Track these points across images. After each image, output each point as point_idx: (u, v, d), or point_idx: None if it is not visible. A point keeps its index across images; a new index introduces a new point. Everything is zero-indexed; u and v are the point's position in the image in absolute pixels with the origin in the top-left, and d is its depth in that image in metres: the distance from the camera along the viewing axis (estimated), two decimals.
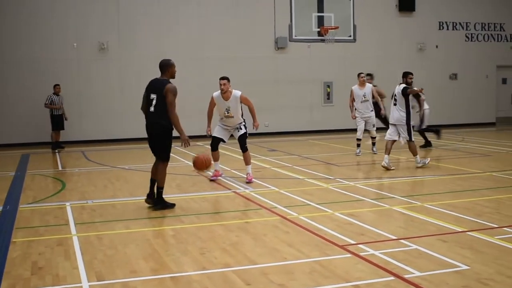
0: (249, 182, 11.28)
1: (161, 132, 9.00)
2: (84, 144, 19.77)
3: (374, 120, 15.38)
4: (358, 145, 15.44)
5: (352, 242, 6.92)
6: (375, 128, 15.57)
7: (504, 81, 26.47)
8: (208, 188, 10.80)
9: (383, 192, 10.04)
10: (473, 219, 7.92)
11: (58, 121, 18.53)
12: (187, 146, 9.22)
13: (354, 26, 18.10)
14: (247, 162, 11.50)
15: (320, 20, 17.98)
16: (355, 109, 15.33)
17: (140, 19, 20.93)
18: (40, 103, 18.55)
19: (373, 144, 15.79)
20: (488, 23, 25.74)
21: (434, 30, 24.77)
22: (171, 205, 9.15)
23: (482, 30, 25.68)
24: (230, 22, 21.77)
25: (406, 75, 12.95)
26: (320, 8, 18.12)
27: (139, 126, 20.47)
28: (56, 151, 18.06)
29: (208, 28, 21.58)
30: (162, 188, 9.16)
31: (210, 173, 11.93)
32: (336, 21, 17.90)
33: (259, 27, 21.93)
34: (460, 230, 7.36)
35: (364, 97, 15.26)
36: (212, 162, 10.73)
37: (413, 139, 12.79)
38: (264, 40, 22.07)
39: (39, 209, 9.29)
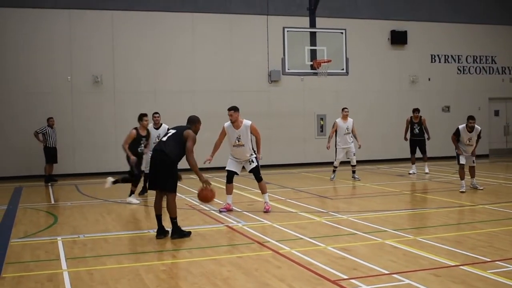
0: (266, 211, 11.58)
1: (166, 158, 9.23)
2: (77, 177, 19.72)
3: (354, 149, 16.81)
4: (334, 171, 17.02)
5: (345, 277, 6.89)
6: (355, 157, 16.94)
7: (496, 113, 26.63)
8: (200, 222, 10.76)
9: (375, 226, 10.02)
10: (465, 252, 7.90)
11: (51, 154, 18.50)
12: (208, 186, 9.57)
13: (347, 59, 18.17)
14: (263, 191, 11.91)
15: (313, 54, 18.04)
16: (336, 140, 17.04)
17: (134, 52, 21.06)
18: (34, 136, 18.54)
19: (354, 172, 17.13)
20: (480, 56, 26.00)
21: (427, 63, 24.99)
22: (188, 234, 9.41)
23: (474, 62, 25.92)
24: (223, 56, 21.95)
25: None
26: (313, 42, 18.20)
27: None
28: (49, 184, 18.01)
29: (202, 61, 21.74)
30: (175, 218, 9.35)
31: (219, 201, 12.15)
32: (329, 54, 17.97)
33: (253, 60, 22.10)
34: (452, 264, 7.34)
35: (347, 130, 16.80)
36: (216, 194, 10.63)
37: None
38: (258, 73, 22.23)
39: (30, 243, 9.23)
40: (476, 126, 14.04)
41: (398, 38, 24.23)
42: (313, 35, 18.22)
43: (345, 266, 7.38)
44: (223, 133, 11.95)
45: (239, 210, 11.98)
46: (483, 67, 26.09)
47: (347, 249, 8.30)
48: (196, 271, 7.35)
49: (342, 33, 18.33)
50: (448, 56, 25.39)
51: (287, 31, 17.86)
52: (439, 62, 25.25)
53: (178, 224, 9.45)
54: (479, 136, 14.22)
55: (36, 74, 20.13)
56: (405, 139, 18.91)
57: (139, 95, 21.02)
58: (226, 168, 12.01)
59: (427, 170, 18.34)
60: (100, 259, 8.12)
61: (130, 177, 13.56)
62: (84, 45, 20.58)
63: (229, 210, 11.83)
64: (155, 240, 9.25)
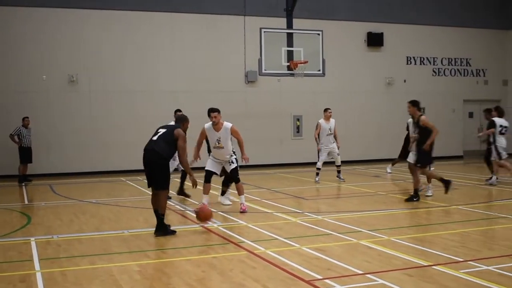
0: (243, 211, 11.66)
1: (157, 158, 9.46)
2: (51, 177, 19.55)
3: (337, 149, 16.75)
4: (318, 174, 16.86)
5: (319, 277, 6.91)
6: (339, 157, 16.94)
7: (470, 115, 26.91)
8: (175, 222, 10.71)
9: (350, 226, 10.06)
10: (438, 253, 7.97)
11: (26, 154, 18.33)
12: (195, 187, 9.97)
13: (323, 61, 18.24)
14: (240, 192, 11.89)
15: (290, 55, 18.09)
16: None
17: (110, 52, 20.94)
18: (8, 136, 18.33)
19: (339, 172, 17.12)
20: (455, 58, 26.26)
21: (402, 65, 25.19)
22: (173, 232, 9.55)
23: (449, 65, 26.17)
24: (201, 56, 21.91)
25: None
26: (290, 43, 18.25)
27: (108, 159, 20.63)
28: (23, 184, 17.83)
29: (178, 61, 21.69)
30: (163, 215, 9.59)
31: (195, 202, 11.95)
32: (305, 55, 18.02)
33: (230, 61, 22.10)
34: (425, 264, 7.40)
35: (330, 131, 16.71)
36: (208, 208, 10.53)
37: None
38: (234, 73, 22.23)
39: (3, 244, 9.12)
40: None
41: (374, 40, 24.39)
42: (290, 36, 18.27)
43: (319, 266, 7.41)
44: (203, 134, 11.92)
45: (215, 210, 11.93)
46: (458, 70, 26.35)
47: (321, 249, 8.32)
48: (171, 271, 7.33)
49: (318, 34, 18.41)
50: (423, 58, 25.60)
51: (264, 32, 17.89)
52: (415, 64, 25.46)
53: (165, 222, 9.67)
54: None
55: (11, 74, 19.93)
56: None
57: (115, 94, 20.90)
58: (206, 168, 12.03)
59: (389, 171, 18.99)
60: (74, 259, 8.06)
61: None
62: (60, 44, 20.42)
63: None
64: (129, 241, 9.20)
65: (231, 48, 22.10)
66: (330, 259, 7.71)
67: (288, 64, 17.87)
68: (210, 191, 12.16)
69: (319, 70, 18.27)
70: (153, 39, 21.47)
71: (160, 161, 9.45)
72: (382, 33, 24.47)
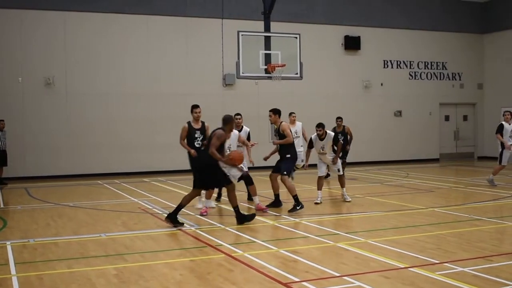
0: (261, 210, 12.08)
1: (204, 165, 10.55)
2: (27, 180, 19.39)
3: (302, 155, 16.23)
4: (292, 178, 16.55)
5: (296, 279, 6.95)
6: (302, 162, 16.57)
7: (447, 118, 27.20)
8: (153, 226, 10.71)
9: (328, 229, 10.13)
10: (415, 255, 8.05)
11: (1, 157, 18.17)
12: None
13: (301, 64, 18.26)
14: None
15: (267, 58, 18.09)
16: None
17: (87, 54, 20.83)
18: None
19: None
20: (431, 62, 26.54)
21: (379, 68, 25.39)
22: (251, 217, 10.75)
23: (425, 68, 26.43)
24: (178, 59, 21.89)
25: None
26: (267, 46, 18.26)
27: (84, 162, 20.52)
28: None
29: (156, 64, 21.65)
30: (236, 207, 10.68)
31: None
32: (283, 58, 18.04)
33: (207, 63, 22.10)
34: (402, 266, 7.47)
35: (296, 134, 16.42)
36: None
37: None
38: (212, 76, 22.24)
39: None
40: (329, 132, 13.37)
41: (352, 43, 24.57)
42: (267, 39, 18.28)
43: (297, 269, 7.45)
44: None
45: (192, 213, 11.96)
46: (434, 73, 26.62)
47: (299, 252, 8.37)
48: (148, 275, 7.32)
49: (296, 37, 18.42)
50: (400, 62, 25.83)
51: (242, 34, 17.87)
52: (392, 67, 25.67)
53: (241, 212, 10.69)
54: (335, 142, 13.32)
55: None
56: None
57: (92, 97, 20.79)
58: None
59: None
60: (50, 263, 8.01)
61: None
62: (36, 47, 20.28)
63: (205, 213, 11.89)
64: (106, 244, 9.17)
65: (209, 51, 22.10)
66: (307, 262, 7.75)
67: (266, 67, 17.88)
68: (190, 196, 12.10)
69: (297, 73, 18.29)
70: (129, 41, 21.39)
71: (208, 165, 10.46)
72: (359, 37, 24.65)
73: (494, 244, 8.79)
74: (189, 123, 12.39)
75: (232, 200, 10.65)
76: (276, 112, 12.73)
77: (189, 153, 12.20)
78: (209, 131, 11.95)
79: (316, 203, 13.08)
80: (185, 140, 12.29)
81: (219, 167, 10.68)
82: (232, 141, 12.48)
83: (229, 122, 10.97)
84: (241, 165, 12.00)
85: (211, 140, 10.51)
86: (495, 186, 15.74)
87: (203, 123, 12.51)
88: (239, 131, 13.52)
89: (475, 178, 18.46)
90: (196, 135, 12.30)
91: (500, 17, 26.58)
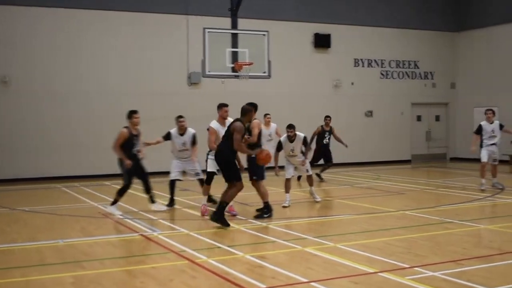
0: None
1: (221, 159, 10.81)
2: None
3: None
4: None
5: (262, 286, 6.92)
6: None
7: (418, 118, 27.45)
8: (113, 231, 10.60)
9: (296, 233, 10.13)
10: (385, 259, 8.09)
11: None
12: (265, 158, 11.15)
13: (269, 62, 18.32)
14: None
15: (234, 56, 18.13)
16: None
17: (44, 52, 20.53)
18: None
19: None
20: (403, 61, 26.77)
21: (350, 67, 25.52)
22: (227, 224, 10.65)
23: (397, 67, 26.65)
24: (141, 56, 21.71)
25: None
26: (234, 44, 18.31)
27: (41, 165, 20.22)
28: None
29: (118, 62, 21.44)
30: (227, 203, 10.91)
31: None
32: (251, 56, 18.07)
33: (171, 62, 21.99)
34: (371, 271, 7.49)
35: (270, 137, 16.92)
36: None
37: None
38: (177, 75, 22.13)
39: None
40: (298, 133, 13.33)
41: (322, 42, 24.64)
42: (234, 37, 18.33)
43: (263, 274, 7.43)
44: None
45: (155, 218, 11.88)
46: (406, 72, 26.86)
47: (266, 257, 8.36)
48: (107, 283, 7.23)
49: (264, 35, 18.49)
50: (371, 61, 26.01)
51: (208, 32, 17.86)
52: (362, 66, 25.83)
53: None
54: (305, 143, 13.39)
55: None
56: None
57: (49, 96, 20.49)
58: (208, 170, 12.20)
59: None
60: (5, 272, 7.85)
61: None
62: None
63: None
64: (64, 251, 9.04)
65: (173, 49, 22.01)
66: (274, 267, 7.74)
67: (233, 65, 17.88)
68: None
69: (265, 72, 18.34)
70: (87, 38, 21.09)
71: (225, 160, 10.72)
72: (329, 35, 24.75)
73: (465, 248, 8.88)
74: (128, 128, 12.28)
75: (228, 196, 10.84)
76: (251, 106, 12.45)
77: (121, 159, 12.08)
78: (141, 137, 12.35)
79: (284, 206, 13.08)
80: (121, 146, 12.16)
81: (235, 164, 10.93)
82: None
83: (248, 113, 10.99)
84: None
85: (233, 136, 10.62)
86: (502, 188, 15.65)
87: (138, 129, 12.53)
88: (182, 134, 13.42)
89: (447, 180, 18.66)
90: (134, 142, 12.33)
91: (473, 15, 26.93)
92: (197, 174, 13.32)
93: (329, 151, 18.67)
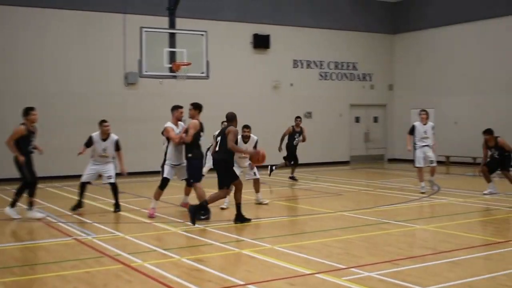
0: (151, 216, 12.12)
1: (223, 166, 11.34)
2: None
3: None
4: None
5: None
6: None
7: (357, 119, 27.88)
8: (45, 235, 10.39)
9: (233, 235, 10.15)
10: (322, 260, 8.18)
11: None
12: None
13: (207, 63, 18.24)
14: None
15: (172, 56, 17.98)
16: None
17: None
18: None
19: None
20: (342, 62, 27.13)
21: (289, 68, 25.71)
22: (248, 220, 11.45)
23: (335, 69, 26.99)
24: (76, 55, 21.35)
25: None
26: (172, 43, 18.13)
27: None
28: None
29: (52, 60, 21.02)
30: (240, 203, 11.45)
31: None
32: (189, 57, 17.94)
33: (107, 61, 21.71)
34: (308, 272, 7.57)
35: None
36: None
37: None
38: (113, 75, 21.85)
39: None
40: (252, 136, 13.67)
41: (261, 42, 24.75)
42: (172, 37, 18.15)
43: (199, 278, 7.41)
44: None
45: (90, 221, 11.72)
46: (344, 74, 27.23)
47: (202, 260, 8.34)
48: None
49: (202, 35, 18.40)
50: (310, 62, 26.26)
51: (145, 31, 17.66)
52: (302, 67, 26.06)
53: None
54: (256, 147, 13.48)
55: None
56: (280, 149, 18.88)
57: None
58: (164, 176, 12.31)
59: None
60: None
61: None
62: None
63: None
64: None
65: (109, 48, 21.73)
66: (211, 270, 7.73)
67: (171, 65, 17.75)
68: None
69: (203, 73, 18.26)
70: (24, 36, 20.63)
71: (226, 165, 11.29)
72: (268, 35, 24.88)
73: (401, 248, 9.06)
74: (25, 125, 12.04)
75: (239, 197, 11.41)
76: (196, 107, 12.45)
77: (16, 157, 11.86)
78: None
79: (222, 208, 13.08)
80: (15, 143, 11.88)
81: (232, 165, 11.49)
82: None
83: (235, 119, 11.64)
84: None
85: (228, 137, 11.17)
86: (437, 190, 15.77)
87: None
88: (105, 139, 13.19)
89: (384, 181, 19.00)
90: (31, 139, 12.13)
91: (410, 17, 27.52)
92: (109, 177, 13.16)
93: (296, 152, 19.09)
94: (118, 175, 13.32)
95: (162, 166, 12.48)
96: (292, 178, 18.81)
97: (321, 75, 26.56)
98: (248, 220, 11.39)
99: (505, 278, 7.24)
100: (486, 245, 9.13)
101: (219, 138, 11.49)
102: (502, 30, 23.69)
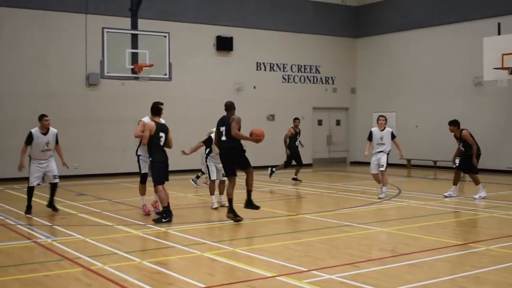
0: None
1: (234, 152, 11.62)
2: None
3: None
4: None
5: None
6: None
7: (320, 122, 28.07)
8: (4, 238, 10.25)
9: (195, 238, 10.13)
10: (283, 263, 8.22)
11: None
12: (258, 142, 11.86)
13: (170, 64, 18.22)
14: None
15: (134, 57, 17.91)
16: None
17: None
18: None
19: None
20: (305, 65, 27.28)
21: (252, 71, 25.76)
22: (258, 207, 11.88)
23: (298, 72, 27.13)
24: (36, 56, 21.09)
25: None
26: (134, 45, 18.06)
27: None
28: None
29: (10, 61, 20.71)
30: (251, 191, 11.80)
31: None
32: (151, 58, 17.91)
33: (69, 62, 21.49)
34: (269, 275, 7.60)
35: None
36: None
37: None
38: (74, 76, 21.64)
39: None
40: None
41: (224, 44, 24.75)
42: (134, 38, 18.09)
43: (160, 281, 7.40)
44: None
45: (49, 224, 11.59)
46: (307, 77, 27.39)
47: (164, 263, 8.32)
48: None
49: (165, 36, 18.38)
50: (273, 65, 26.36)
51: (107, 32, 17.60)
52: (265, 70, 26.14)
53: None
54: None
55: None
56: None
57: None
58: (142, 172, 12.66)
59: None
60: None
61: None
62: None
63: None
64: None
65: (71, 49, 21.51)
66: (172, 273, 7.72)
67: (133, 67, 17.67)
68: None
69: (166, 74, 18.24)
70: None
71: (237, 152, 11.59)
72: (232, 38, 24.90)
73: (362, 250, 9.16)
74: None
75: (250, 184, 11.82)
76: (151, 109, 12.37)
77: None
78: None
79: (215, 209, 13.38)
80: None
81: (243, 150, 11.78)
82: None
83: (233, 107, 12.11)
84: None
85: (231, 125, 11.50)
86: (383, 197, 15.42)
87: None
88: (45, 134, 13.02)
89: (347, 184, 19.16)
90: None
91: (372, 22, 27.82)
92: (55, 177, 13.11)
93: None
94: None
95: (138, 162, 12.74)
96: (295, 179, 19.24)
97: (284, 78, 26.68)
98: (258, 207, 11.90)
99: (464, 280, 7.36)
100: (445, 248, 9.26)
101: (223, 128, 11.70)
102: (458, 35, 24.11)
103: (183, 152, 13.85)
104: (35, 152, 12.88)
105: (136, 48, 17.96)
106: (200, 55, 24.33)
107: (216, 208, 13.37)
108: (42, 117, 13.01)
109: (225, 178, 13.27)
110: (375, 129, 15.59)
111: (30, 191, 12.96)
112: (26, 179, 13.07)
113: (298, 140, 19.52)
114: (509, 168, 19.98)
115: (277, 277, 7.48)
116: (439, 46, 24.91)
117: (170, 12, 23.44)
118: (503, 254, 8.86)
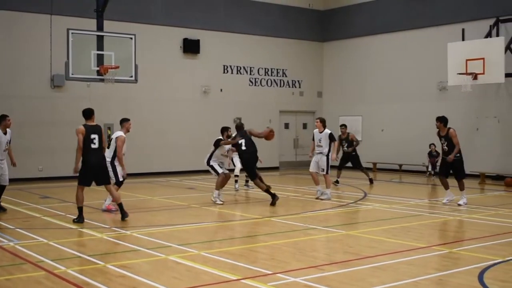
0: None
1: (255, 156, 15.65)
2: None
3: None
4: None
5: None
6: None
7: (286, 126, 28.16)
8: None
9: (160, 241, 10.08)
10: (248, 266, 8.23)
11: None
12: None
13: (136, 66, 18.12)
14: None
15: (100, 59, 17.76)
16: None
17: None
18: None
19: None
20: (272, 69, 27.35)
21: (219, 73, 25.75)
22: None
23: (265, 75, 27.19)
24: (1, 56, 20.79)
25: None
26: (100, 46, 17.91)
27: None
28: None
29: None
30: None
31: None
32: (117, 60, 17.79)
33: (33, 63, 21.22)
34: (234, 278, 7.59)
35: None
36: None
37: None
38: (39, 77, 21.38)
39: None
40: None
41: (191, 47, 24.69)
42: (100, 39, 17.94)
43: (124, 284, 7.34)
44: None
45: (12, 227, 11.43)
46: (274, 80, 27.46)
47: (128, 266, 8.26)
48: None
49: (131, 38, 18.28)
50: (240, 68, 26.37)
51: (72, 33, 17.43)
52: (232, 73, 26.14)
53: None
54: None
55: None
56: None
57: None
58: (120, 179, 13.32)
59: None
60: None
61: None
62: None
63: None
64: None
65: (35, 50, 21.25)
66: (136, 277, 7.66)
67: (98, 68, 17.54)
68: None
69: (131, 76, 18.13)
70: None
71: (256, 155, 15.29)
72: (198, 40, 24.85)
73: (326, 253, 9.22)
74: None
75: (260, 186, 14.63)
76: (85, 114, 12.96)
77: None
78: None
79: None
80: None
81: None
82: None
83: (243, 126, 15.34)
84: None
85: (252, 133, 15.19)
86: (324, 198, 15.77)
87: None
88: (5, 133, 13.26)
89: (313, 187, 19.18)
90: None
91: (339, 26, 28.00)
92: (5, 180, 13.29)
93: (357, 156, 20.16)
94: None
95: (114, 168, 13.55)
96: (336, 182, 19.60)
97: (251, 81, 26.72)
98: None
99: (427, 282, 7.45)
100: (409, 250, 9.35)
101: (242, 141, 14.78)
102: (424, 40, 24.40)
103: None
104: None
105: (102, 50, 17.82)
106: (167, 57, 24.24)
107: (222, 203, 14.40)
108: (5, 117, 13.18)
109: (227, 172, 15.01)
110: (315, 131, 16.08)
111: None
112: None
113: (344, 146, 20.05)
114: (472, 172, 20.24)
115: (242, 280, 7.48)
116: (405, 50, 25.20)
117: (137, 14, 23.32)
118: (466, 257, 8.99)
